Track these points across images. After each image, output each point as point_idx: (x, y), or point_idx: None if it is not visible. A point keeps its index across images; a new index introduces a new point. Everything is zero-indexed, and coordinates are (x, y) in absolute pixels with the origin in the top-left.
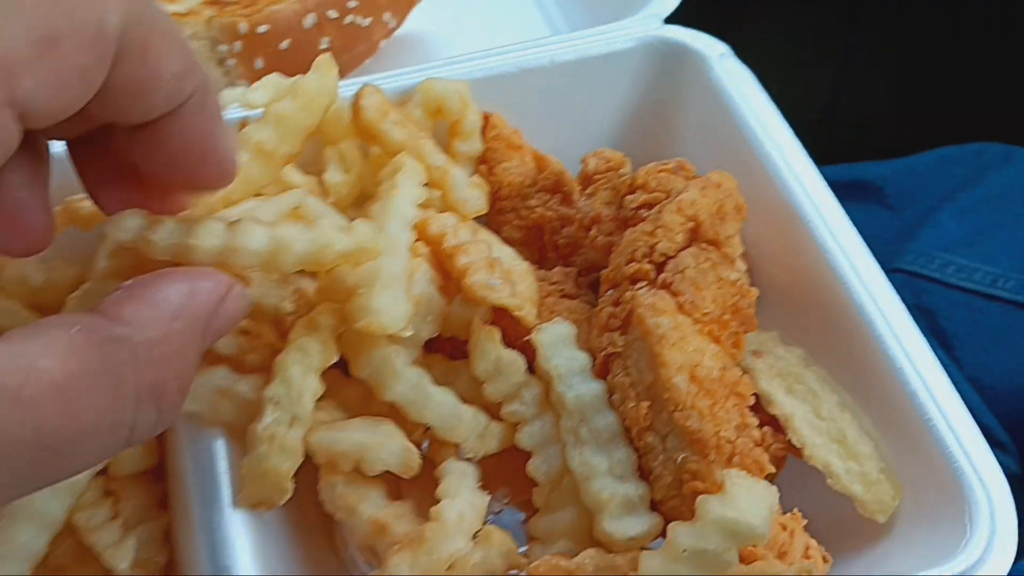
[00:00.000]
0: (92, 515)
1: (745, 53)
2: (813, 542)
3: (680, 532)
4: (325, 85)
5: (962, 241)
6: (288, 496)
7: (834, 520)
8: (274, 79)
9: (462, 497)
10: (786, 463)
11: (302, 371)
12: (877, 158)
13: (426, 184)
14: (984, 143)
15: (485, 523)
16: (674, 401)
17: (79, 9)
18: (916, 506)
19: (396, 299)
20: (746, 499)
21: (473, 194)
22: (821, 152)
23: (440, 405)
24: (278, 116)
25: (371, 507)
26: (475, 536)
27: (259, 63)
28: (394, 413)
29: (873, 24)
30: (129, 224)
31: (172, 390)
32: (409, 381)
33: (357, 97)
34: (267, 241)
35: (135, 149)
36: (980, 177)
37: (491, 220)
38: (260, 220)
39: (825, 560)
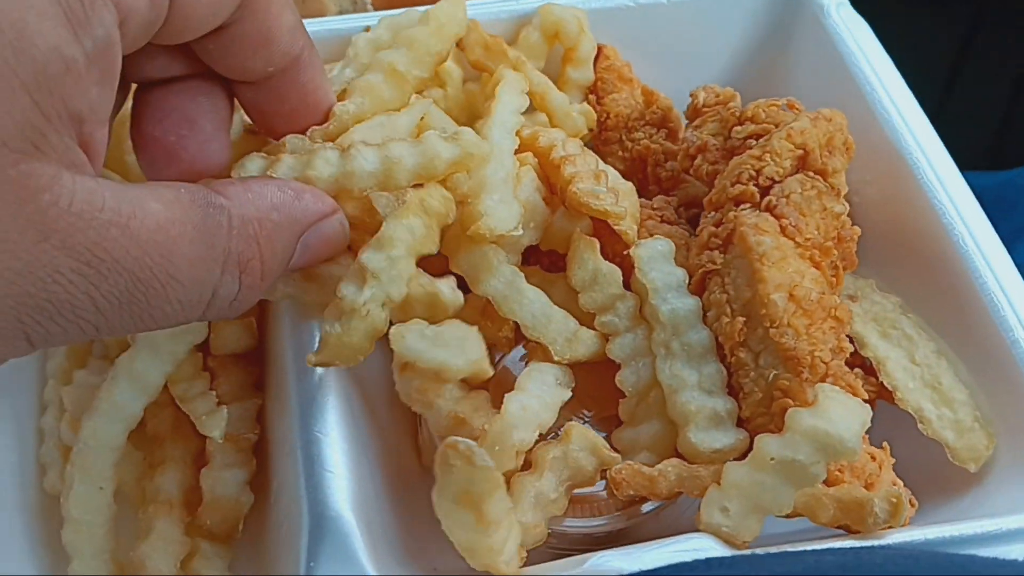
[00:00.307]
0: (190, 386)
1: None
2: (900, 482)
3: (768, 442)
4: (455, 14)
5: None
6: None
7: (924, 467)
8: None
9: (530, 390)
10: (876, 408)
11: (405, 250)
12: (980, 166)
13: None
14: None
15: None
16: (771, 317)
17: None
18: (1010, 456)
19: (504, 201)
20: (839, 412)
21: (576, 116)
22: None
23: (532, 303)
24: (410, 39)
25: (448, 401)
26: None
27: None
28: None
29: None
30: (251, 166)
31: (256, 269)
32: (504, 276)
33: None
34: (379, 161)
35: (256, 104)
36: None
37: (596, 149)
38: (369, 142)
39: (912, 504)
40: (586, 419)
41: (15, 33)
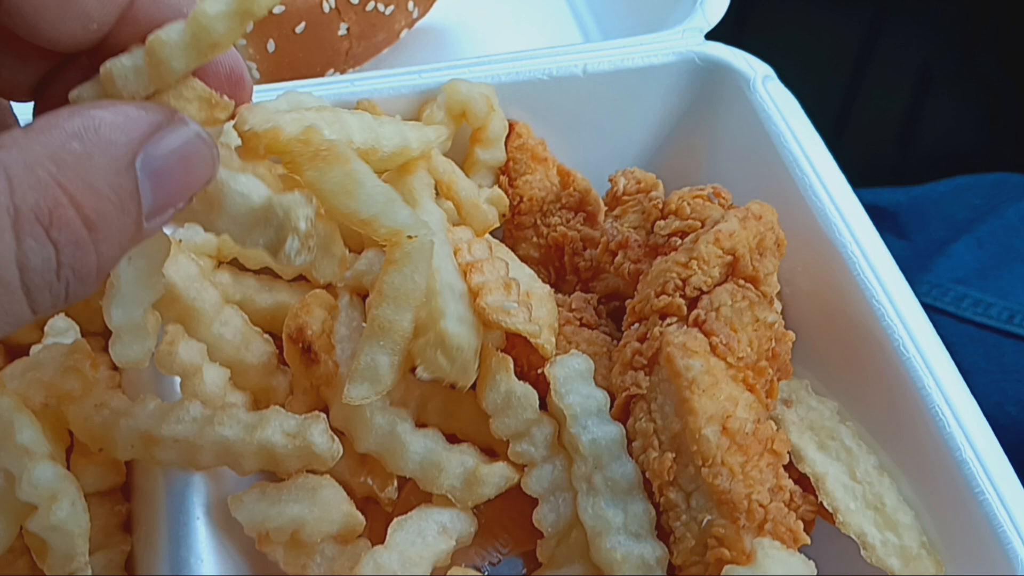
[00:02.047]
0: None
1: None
2: None
3: None
4: None
5: (977, 273)
6: None
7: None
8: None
9: (394, 545)
10: (814, 529)
11: None
12: (892, 177)
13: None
14: (1003, 173)
15: (481, 572)
16: (703, 455)
17: None
18: None
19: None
20: (778, 572)
21: (486, 208)
22: None
23: (416, 454)
24: None
25: (319, 568)
26: None
27: (271, 45)
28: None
29: (892, 41)
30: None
31: (70, 219)
32: (381, 430)
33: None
34: None
35: None
36: (998, 208)
37: (509, 235)
38: None
39: None
40: (499, 558)
41: None
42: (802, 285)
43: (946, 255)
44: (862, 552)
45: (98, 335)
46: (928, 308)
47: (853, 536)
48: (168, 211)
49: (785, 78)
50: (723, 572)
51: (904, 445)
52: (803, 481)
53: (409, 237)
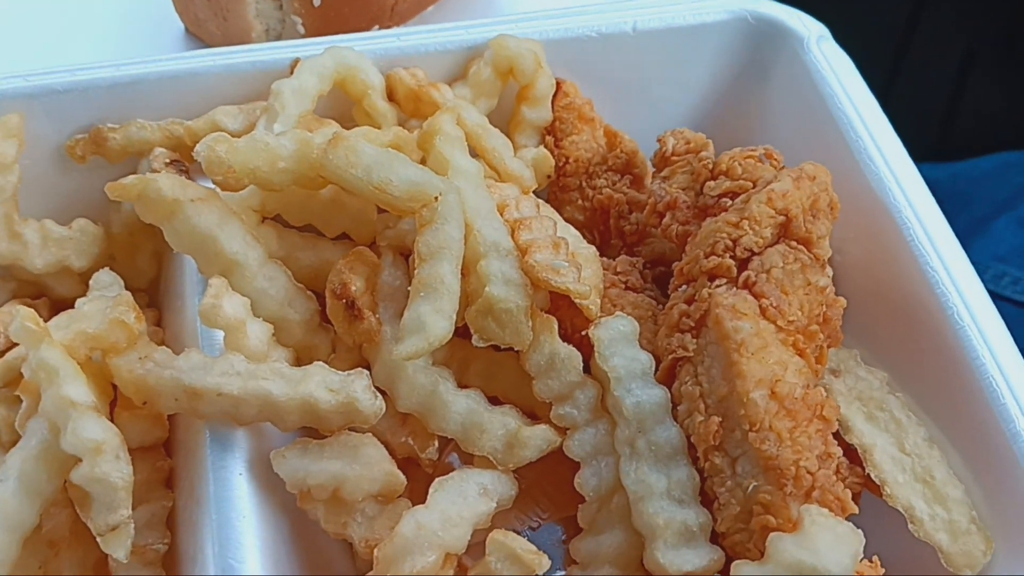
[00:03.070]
0: None
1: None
2: None
3: (746, 573)
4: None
5: (1018, 251)
6: None
7: (914, 569)
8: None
9: (435, 505)
10: (861, 501)
11: None
12: (933, 156)
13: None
14: None
15: (521, 535)
16: (750, 419)
17: None
18: (1010, 563)
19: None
20: (826, 542)
21: (525, 173)
22: None
23: (459, 414)
24: None
25: (361, 525)
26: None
27: (317, 0)
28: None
29: (937, 18)
30: None
31: None
32: (423, 388)
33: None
34: None
35: None
36: None
37: (554, 197)
38: None
39: None
40: (539, 523)
41: None
42: (854, 251)
43: (986, 233)
44: (909, 526)
45: (141, 291)
46: None
47: (901, 509)
48: None
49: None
50: (768, 540)
51: (955, 417)
52: (850, 452)
53: (436, 198)
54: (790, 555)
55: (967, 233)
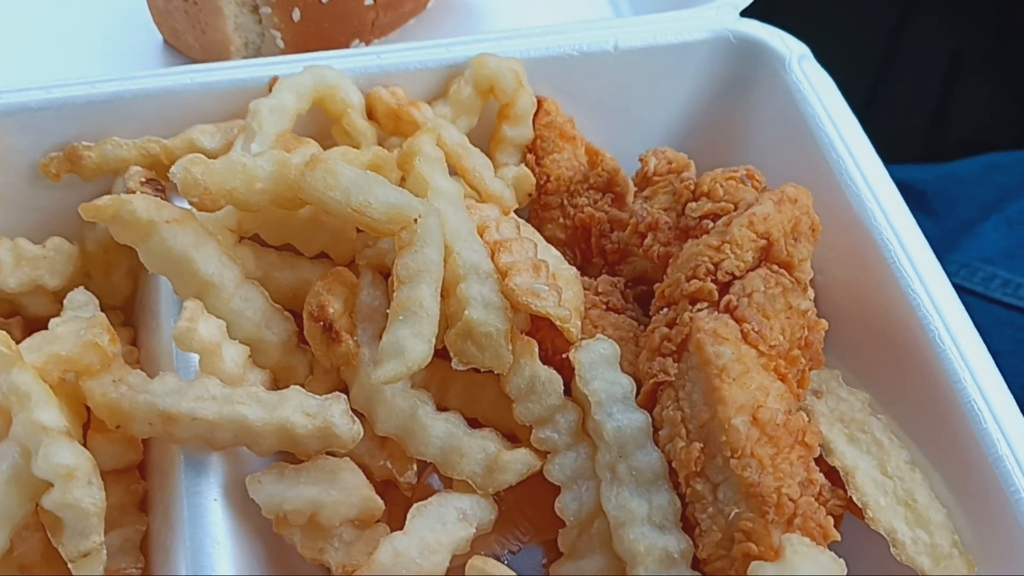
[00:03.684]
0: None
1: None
2: None
3: None
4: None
5: (1006, 253)
6: None
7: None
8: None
9: (413, 531)
10: (843, 524)
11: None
12: (921, 158)
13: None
14: None
15: (501, 560)
16: (732, 446)
17: None
18: None
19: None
20: (808, 571)
21: (505, 194)
22: None
23: (438, 438)
24: None
25: (338, 551)
26: None
27: (296, 14)
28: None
29: (925, 22)
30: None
31: None
32: (402, 412)
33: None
34: None
35: None
36: None
37: (535, 215)
38: None
39: None
40: (519, 546)
41: None
42: (836, 272)
43: (975, 235)
44: (892, 549)
45: (116, 309)
46: (956, 288)
47: (883, 533)
48: None
49: (816, 57)
50: (750, 569)
51: (937, 440)
52: (832, 474)
53: (415, 220)
54: None
55: (955, 234)
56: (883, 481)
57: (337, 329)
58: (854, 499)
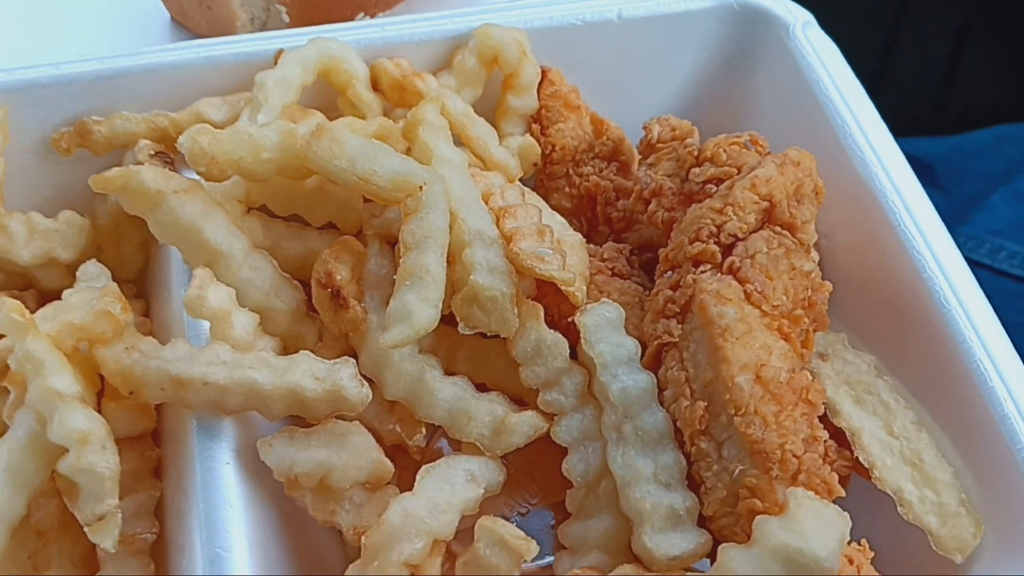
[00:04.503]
0: None
1: None
2: None
3: (732, 556)
4: None
5: (1014, 225)
6: None
7: (903, 554)
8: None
9: (422, 492)
10: (850, 484)
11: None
12: (928, 132)
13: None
14: None
15: (510, 522)
16: (735, 404)
17: None
18: (999, 545)
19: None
20: (813, 525)
21: (509, 162)
22: None
23: (446, 401)
24: None
25: (349, 513)
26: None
27: None
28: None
29: None
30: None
31: None
32: (409, 376)
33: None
34: None
35: None
36: None
37: (541, 184)
38: None
39: None
40: (528, 508)
41: None
42: (841, 237)
43: (983, 207)
44: (899, 509)
45: (129, 282)
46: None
47: (890, 492)
48: None
49: (821, 27)
50: (755, 523)
51: (944, 401)
52: (839, 436)
53: (420, 187)
54: (776, 538)
55: (963, 207)
56: (889, 441)
57: (344, 295)
58: (860, 459)
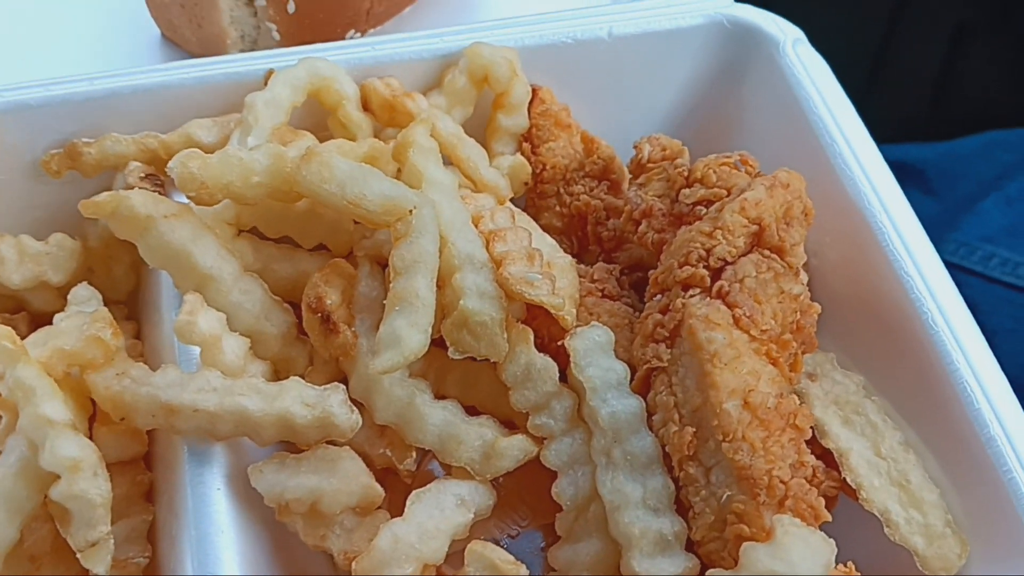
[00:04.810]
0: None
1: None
2: None
3: None
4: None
5: (1007, 231)
6: None
7: (891, 573)
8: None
9: (412, 517)
10: (837, 504)
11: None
12: (923, 134)
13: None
14: None
15: (500, 544)
16: (723, 430)
17: None
18: (985, 565)
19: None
20: (799, 552)
21: (500, 182)
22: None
23: (436, 426)
24: None
25: (340, 537)
26: None
27: (291, 6)
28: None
29: None
30: None
31: None
32: (399, 400)
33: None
34: None
35: None
36: None
37: (532, 204)
38: None
39: None
40: (518, 531)
41: None
42: (830, 255)
43: (975, 213)
44: (885, 530)
45: (120, 304)
46: (955, 267)
47: (877, 513)
48: None
49: (815, 34)
50: (741, 550)
51: (931, 421)
52: (826, 456)
53: (410, 212)
54: (763, 565)
55: (955, 212)
56: (877, 462)
57: (335, 320)
58: (848, 480)
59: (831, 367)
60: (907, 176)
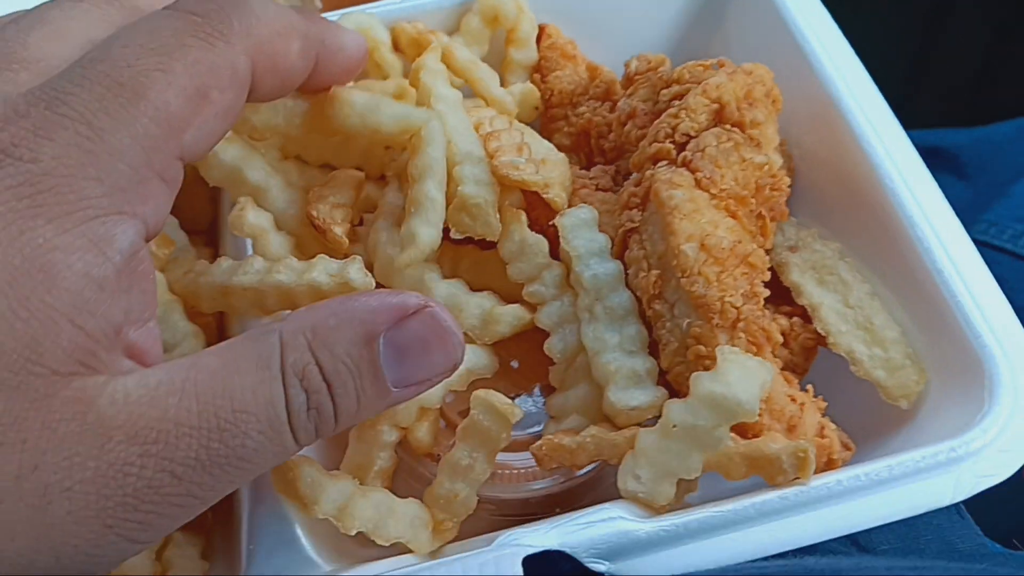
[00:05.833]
0: None
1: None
2: (831, 424)
3: (672, 408)
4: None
5: None
6: None
7: (861, 411)
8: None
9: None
10: (816, 356)
11: None
12: (958, 124)
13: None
14: None
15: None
16: (681, 268)
17: (218, 60)
18: (941, 390)
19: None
20: (737, 375)
21: (505, 96)
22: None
23: (440, 297)
24: None
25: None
26: None
27: None
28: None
29: None
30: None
31: (314, 375)
32: (412, 278)
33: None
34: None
35: None
36: None
37: (544, 127)
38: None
39: (847, 447)
40: (525, 394)
41: (44, 273)
42: (808, 145)
43: (1007, 195)
44: (851, 368)
45: (200, 233)
46: (985, 246)
47: (843, 354)
48: (416, 384)
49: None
50: (691, 378)
51: (896, 272)
52: (805, 314)
53: (421, 128)
54: (707, 389)
55: (988, 196)
56: (845, 311)
57: (319, 225)
58: (819, 330)
59: (812, 239)
60: (942, 162)
